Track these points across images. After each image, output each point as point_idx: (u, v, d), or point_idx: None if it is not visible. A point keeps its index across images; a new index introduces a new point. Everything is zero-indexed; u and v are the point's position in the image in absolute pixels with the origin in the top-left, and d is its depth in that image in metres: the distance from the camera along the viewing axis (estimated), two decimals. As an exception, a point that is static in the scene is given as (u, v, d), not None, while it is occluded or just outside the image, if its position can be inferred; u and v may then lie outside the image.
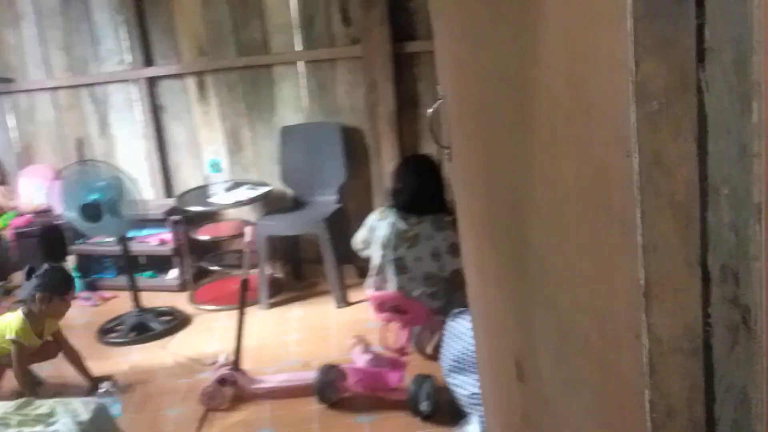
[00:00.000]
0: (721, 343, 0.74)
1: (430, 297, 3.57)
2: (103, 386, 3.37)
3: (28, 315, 3.63)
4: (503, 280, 1.25)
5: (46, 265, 3.75)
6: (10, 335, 3.58)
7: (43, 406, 2.77)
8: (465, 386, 3.18)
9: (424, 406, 3.25)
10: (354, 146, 4.84)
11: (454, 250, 3.46)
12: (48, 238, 5.10)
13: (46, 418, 2.69)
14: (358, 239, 3.77)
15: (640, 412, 0.79)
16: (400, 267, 3.51)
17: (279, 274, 5.05)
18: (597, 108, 0.80)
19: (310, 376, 3.65)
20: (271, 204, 4.92)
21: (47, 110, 5.35)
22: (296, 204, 4.85)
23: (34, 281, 3.64)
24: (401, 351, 3.48)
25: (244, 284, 3.69)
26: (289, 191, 4.94)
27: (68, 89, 5.27)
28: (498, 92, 1.09)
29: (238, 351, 3.66)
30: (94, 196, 4.16)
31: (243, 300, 3.67)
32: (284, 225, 4.65)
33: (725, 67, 0.68)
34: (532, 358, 1.16)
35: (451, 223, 3.62)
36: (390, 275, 3.56)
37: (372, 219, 3.71)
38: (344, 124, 4.80)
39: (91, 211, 4.16)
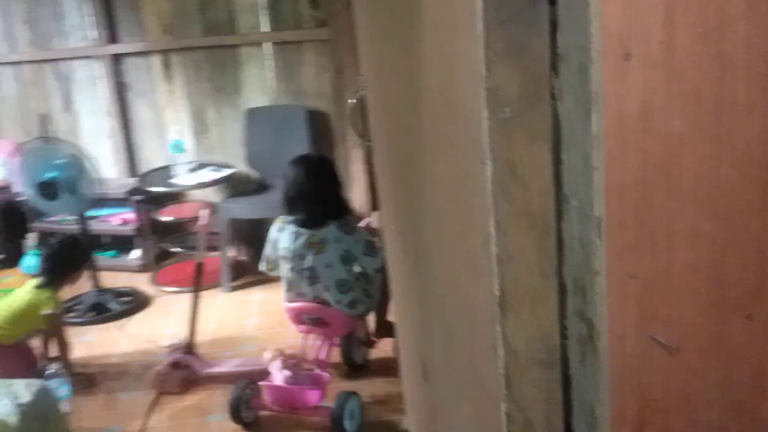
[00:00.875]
0: (575, 357, 0.73)
1: (349, 306, 3.21)
2: (52, 367, 3.34)
3: (50, 285, 3.57)
4: (411, 279, 1.23)
5: (60, 240, 3.78)
6: (47, 310, 3.51)
7: (-18, 387, 2.74)
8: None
9: (347, 425, 3.02)
10: (320, 130, 4.80)
11: (371, 248, 3.19)
12: (8, 215, 5.03)
13: (-15, 400, 2.66)
14: (264, 259, 3.34)
15: (500, 423, 0.78)
16: (312, 277, 3.15)
17: (242, 257, 5.02)
18: (459, 114, 0.77)
19: (264, 361, 3.63)
20: (235, 186, 4.88)
21: (10, 85, 5.27)
22: (261, 187, 4.81)
23: (59, 257, 3.64)
24: (323, 364, 3.25)
25: (199, 267, 3.65)
26: (254, 174, 4.90)
27: (31, 64, 5.19)
28: (397, 88, 1.06)
29: (192, 335, 3.64)
30: (51, 174, 4.10)
31: (198, 283, 3.64)
32: (248, 208, 4.62)
33: (572, 75, 0.65)
34: (432, 360, 1.14)
35: (357, 224, 3.30)
36: (303, 287, 3.21)
37: (273, 232, 3.28)
38: (310, 107, 4.76)
39: (48, 189, 4.10)
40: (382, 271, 3.19)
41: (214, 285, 4.53)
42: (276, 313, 4.33)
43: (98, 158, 4.33)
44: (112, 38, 4.96)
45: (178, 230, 5.15)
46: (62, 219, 4.91)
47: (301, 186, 3.13)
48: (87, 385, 3.58)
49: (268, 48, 4.78)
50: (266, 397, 3.17)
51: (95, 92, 5.13)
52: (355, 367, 3.54)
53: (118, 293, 4.59)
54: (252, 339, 4.06)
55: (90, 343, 4.12)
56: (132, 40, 4.96)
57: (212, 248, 4.34)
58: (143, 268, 4.96)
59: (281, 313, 4.33)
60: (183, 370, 3.60)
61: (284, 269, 3.24)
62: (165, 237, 5.04)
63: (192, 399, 3.52)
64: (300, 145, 4.73)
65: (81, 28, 5.03)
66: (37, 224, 5.01)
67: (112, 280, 4.73)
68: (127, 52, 4.98)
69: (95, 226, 4.76)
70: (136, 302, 4.52)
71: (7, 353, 3.46)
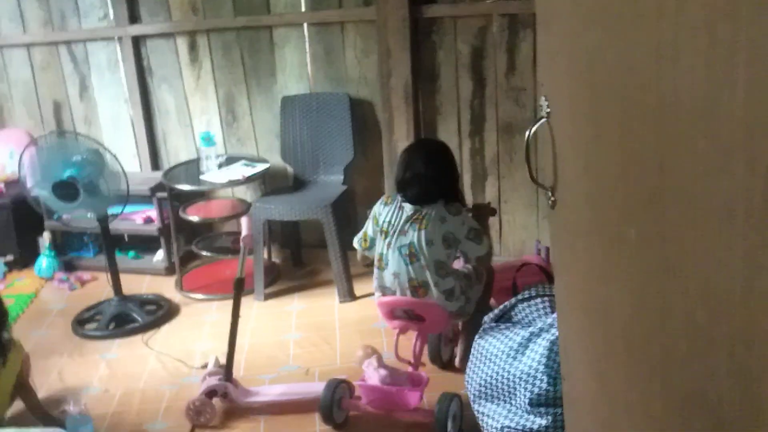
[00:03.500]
0: None
1: (447, 296, 3.06)
2: (72, 403, 2.91)
3: None
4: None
5: None
6: (17, 365, 3.01)
7: (-4, 439, 2.33)
8: (495, 417, 2.75)
9: (450, 428, 2.88)
10: (364, 121, 4.33)
11: (477, 235, 3.09)
12: (21, 212, 4.59)
13: (-1, 456, 2.25)
14: (360, 236, 3.23)
15: None
16: (411, 254, 3.02)
17: (276, 260, 4.58)
18: None
19: (311, 389, 3.22)
20: (269, 182, 4.44)
21: (22, 68, 4.81)
22: (298, 184, 4.36)
23: None
24: (417, 363, 3.09)
25: (239, 284, 3.21)
26: (290, 169, 4.44)
27: (45, 46, 4.73)
28: (671, 130, 0.62)
29: (230, 360, 3.21)
30: (69, 173, 3.66)
31: (237, 303, 3.20)
32: (284, 209, 4.14)
33: None
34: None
35: (466, 210, 3.22)
36: (399, 266, 3.04)
37: (376, 206, 3.20)
38: (353, 95, 4.29)
39: (66, 189, 3.66)
40: (484, 261, 3.16)
41: (247, 292, 4.08)
42: (318, 326, 3.89)
43: (118, 150, 3.87)
44: (133, 18, 4.49)
45: (206, 230, 4.72)
46: (80, 216, 4.46)
47: (419, 166, 3.07)
48: None
49: (306, 29, 4.30)
50: (363, 398, 3.03)
51: (114, 77, 4.67)
52: (441, 364, 3.43)
53: (143, 301, 4.16)
54: (293, 358, 3.63)
55: (112, 361, 3.70)
56: (155, 20, 4.49)
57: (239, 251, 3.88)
58: (167, 271, 4.53)
59: (323, 327, 3.90)
60: (220, 399, 3.17)
61: (380, 245, 3.11)
62: (192, 237, 4.60)
63: (231, 434, 3.10)
64: (341, 137, 4.28)
65: (99, 7, 4.56)
66: (51, 222, 4.56)
67: (134, 284, 4.31)
68: (149, 33, 4.51)
69: (115, 225, 4.31)
70: (162, 311, 4.08)
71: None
